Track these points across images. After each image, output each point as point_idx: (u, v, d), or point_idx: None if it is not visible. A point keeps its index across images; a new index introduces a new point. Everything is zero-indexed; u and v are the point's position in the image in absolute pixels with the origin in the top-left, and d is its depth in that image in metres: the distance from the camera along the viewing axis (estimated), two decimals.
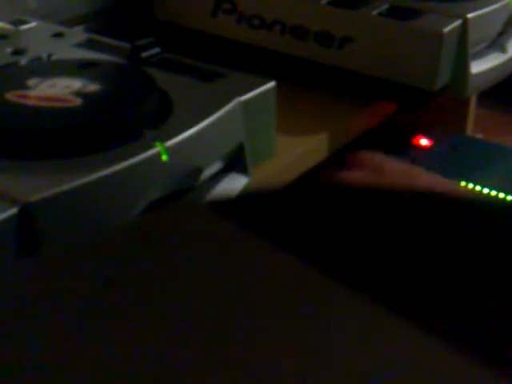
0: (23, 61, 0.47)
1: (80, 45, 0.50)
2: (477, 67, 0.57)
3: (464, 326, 0.16)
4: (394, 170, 0.48)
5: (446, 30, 0.53)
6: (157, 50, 0.48)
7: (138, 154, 0.36)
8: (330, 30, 0.56)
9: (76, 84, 0.41)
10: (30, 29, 0.52)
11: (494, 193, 0.59)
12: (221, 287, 0.18)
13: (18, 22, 0.53)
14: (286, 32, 0.57)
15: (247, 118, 0.43)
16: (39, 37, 0.51)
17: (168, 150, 0.37)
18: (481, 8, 0.56)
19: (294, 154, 0.51)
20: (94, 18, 0.63)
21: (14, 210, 0.31)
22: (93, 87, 0.40)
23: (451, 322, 0.17)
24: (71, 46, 0.49)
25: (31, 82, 0.41)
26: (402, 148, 0.65)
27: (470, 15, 0.54)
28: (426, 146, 0.66)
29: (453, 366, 0.15)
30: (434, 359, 0.16)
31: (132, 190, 0.36)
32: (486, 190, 0.59)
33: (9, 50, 0.48)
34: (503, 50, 0.61)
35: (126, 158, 0.35)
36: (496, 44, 0.61)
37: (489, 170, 0.63)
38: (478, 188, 0.60)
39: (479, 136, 0.79)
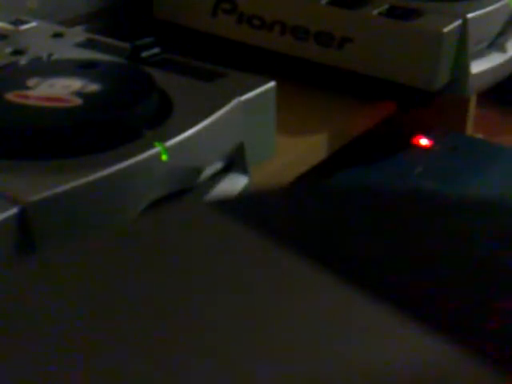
0: (23, 61, 0.47)
1: (80, 45, 0.50)
2: (477, 67, 0.57)
3: (464, 324, 0.16)
4: None
5: (446, 29, 0.53)
6: (157, 50, 0.48)
7: (137, 154, 0.36)
8: (329, 30, 0.56)
9: (76, 84, 0.41)
10: (29, 29, 0.52)
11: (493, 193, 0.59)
12: (221, 287, 0.18)
13: (17, 22, 0.53)
14: (286, 32, 0.57)
15: (247, 118, 0.43)
16: (39, 37, 0.51)
17: (168, 150, 0.37)
18: (481, 8, 0.56)
19: (294, 153, 0.51)
20: (94, 18, 0.63)
21: (14, 210, 0.31)
22: (93, 87, 0.40)
23: (451, 320, 0.17)
24: (71, 46, 0.49)
25: (31, 82, 0.41)
26: (402, 148, 0.65)
27: (469, 15, 0.54)
28: (426, 146, 0.66)
29: (452, 364, 0.15)
30: (434, 357, 0.16)
31: (132, 190, 0.36)
32: (485, 191, 0.59)
33: (9, 50, 0.48)
34: (503, 49, 0.61)
35: (126, 158, 0.35)
36: (496, 44, 0.61)
37: (488, 170, 0.63)
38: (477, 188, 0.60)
39: (479, 136, 0.79)
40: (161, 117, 0.40)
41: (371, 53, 0.55)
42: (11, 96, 0.39)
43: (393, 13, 0.55)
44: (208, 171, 0.41)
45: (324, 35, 0.56)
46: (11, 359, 0.16)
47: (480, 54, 0.59)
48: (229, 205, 0.22)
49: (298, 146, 0.52)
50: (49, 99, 0.39)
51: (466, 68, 0.56)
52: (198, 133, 0.39)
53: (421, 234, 0.20)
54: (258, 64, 0.55)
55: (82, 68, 0.43)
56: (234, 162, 0.44)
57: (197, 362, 0.16)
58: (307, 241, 0.20)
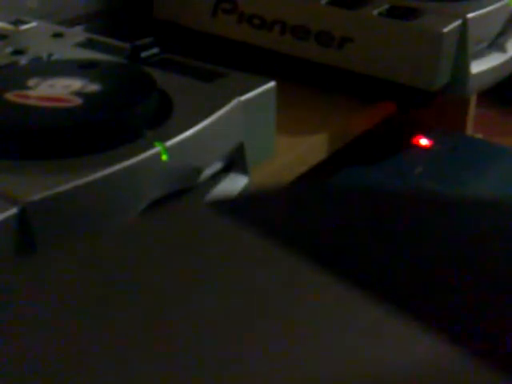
0: (23, 61, 0.47)
1: (80, 45, 0.50)
2: (477, 67, 0.57)
3: (465, 325, 0.16)
4: None
5: (446, 29, 0.53)
6: (157, 49, 0.48)
7: (138, 153, 0.36)
8: (330, 30, 0.56)
9: (76, 84, 0.41)
10: (29, 29, 0.52)
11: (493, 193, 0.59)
12: (221, 287, 0.18)
13: (18, 22, 0.53)
14: (287, 32, 0.57)
15: (247, 118, 0.43)
16: (39, 37, 0.51)
17: (168, 150, 0.37)
18: (481, 8, 0.56)
19: (294, 153, 0.51)
20: (94, 18, 0.63)
21: (13, 210, 0.31)
22: (93, 87, 0.40)
23: (451, 321, 0.17)
24: (71, 46, 0.49)
25: (31, 81, 0.41)
26: (402, 148, 0.65)
27: (469, 15, 0.54)
28: (425, 146, 0.66)
29: (453, 364, 0.15)
30: (434, 357, 0.16)
31: (132, 190, 0.36)
32: (485, 191, 0.59)
33: (9, 50, 0.48)
34: (503, 49, 0.61)
35: (126, 158, 0.35)
36: (496, 44, 0.61)
37: (488, 170, 0.63)
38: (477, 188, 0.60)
39: (479, 136, 0.79)
40: (161, 117, 0.40)
41: (371, 53, 0.55)
42: (11, 96, 0.39)
43: (393, 13, 0.55)
44: (208, 171, 0.41)
45: (324, 35, 0.56)
46: (10, 360, 0.16)
47: (480, 54, 0.59)
48: (229, 205, 0.22)
49: (297, 146, 0.52)
50: (49, 99, 0.39)
51: (466, 68, 0.56)
52: (198, 133, 0.39)
53: (421, 233, 0.20)
54: (258, 64, 0.55)
55: (82, 68, 0.43)
56: (234, 162, 0.44)
57: (196, 362, 0.16)
58: (307, 241, 0.20)
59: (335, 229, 0.20)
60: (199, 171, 0.40)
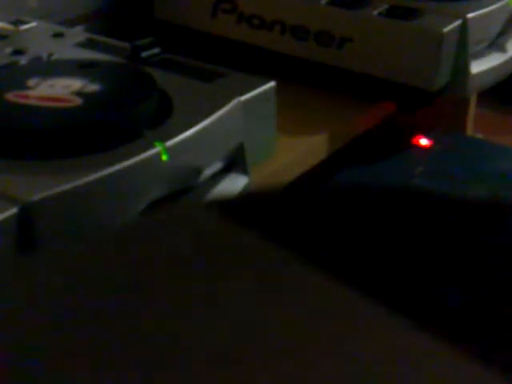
0: (23, 61, 0.47)
1: (80, 45, 0.50)
2: (477, 67, 0.57)
3: (467, 329, 0.16)
4: None
5: (446, 29, 0.53)
6: (157, 50, 0.48)
7: (138, 153, 0.36)
8: (329, 30, 0.56)
9: (76, 84, 0.41)
10: (30, 29, 0.52)
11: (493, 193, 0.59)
12: (221, 287, 0.18)
13: (18, 22, 0.53)
14: (286, 32, 0.57)
15: (247, 118, 0.43)
16: (39, 37, 0.51)
17: (168, 150, 0.37)
18: (481, 8, 0.56)
19: (293, 154, 0.51)
20: (94, 18, 0.63)
21: (14, 210, 0.31)
22: (93, 87, 0.40)
23: (452, 324, 0.17)
24: (71, 46, 0.49)
25: (31, 81, 0.41)
26: (402, 148, 0.65)
27: (469, 15, 0.54)
28: (425, 145, 0.66)
29: (455, 367, 0.15)
30: (436, 359, 0.16)
31: (132, 190, 0.36)
32: (485, 191, 0.59)
33: (9, 49, 0.48)
34: (503, 50, 0.61)
35: (126, 158, 0.35)
36: (496, 44, 0.61)
37: (489, 170, 0.63)
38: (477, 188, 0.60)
39: (479, 136, 0.79)
40: (161, 117, 0.40)
41: (371, 53, 0.55)
42: (11, 96, 0.39)
43: (393, 13, 0.55)
44: (208, 171, 0.41)
45: (324, 35, 0.56)
46: (10, 359, 0.16)
47: (480, 54, 0.59)
48: (228, 205, 0.22)
49: (297, 146, 0.52)
50: (49, 99, 0.39)
51: (466, 68, 0.56)
52: (198, 133, 0.39)
53: (420, 233, 0.20)
54: (258, 64, 0.55)
55: (82, 68, 0.43)
56: (234, 162, 0.44)
57: (196, 362, 0.16)
58: (307, 241, 0.20)
59: (335, 229, 0.20)
60: (199, 171, 0.40)
